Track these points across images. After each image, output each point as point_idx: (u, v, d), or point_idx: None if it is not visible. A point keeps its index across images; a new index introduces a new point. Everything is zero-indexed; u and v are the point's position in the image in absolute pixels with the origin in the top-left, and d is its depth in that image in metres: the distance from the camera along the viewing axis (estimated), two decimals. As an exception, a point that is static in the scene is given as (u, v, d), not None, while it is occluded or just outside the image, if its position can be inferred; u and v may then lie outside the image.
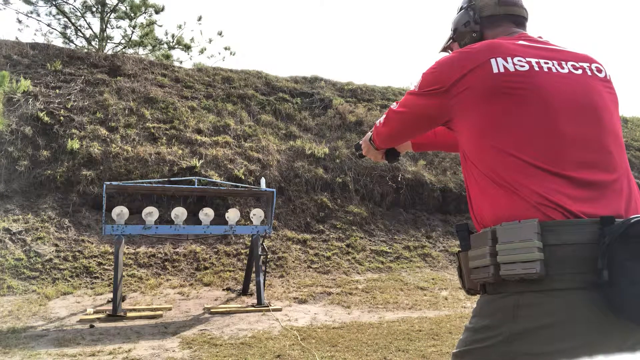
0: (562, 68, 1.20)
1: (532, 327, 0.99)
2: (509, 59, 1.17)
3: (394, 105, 1.41)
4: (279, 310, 5.47)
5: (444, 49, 1.59)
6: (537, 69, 1.17)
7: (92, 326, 4.63)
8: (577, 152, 1.10)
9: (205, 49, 14.85)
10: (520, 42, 1.25)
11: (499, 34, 1.35)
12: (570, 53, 1.26)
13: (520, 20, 1.39)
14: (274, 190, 6.06)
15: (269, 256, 6.82)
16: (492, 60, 1.17)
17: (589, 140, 1.12)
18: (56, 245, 6.61)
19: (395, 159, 1.75)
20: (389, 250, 8.18)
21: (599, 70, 1.24)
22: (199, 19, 16.27)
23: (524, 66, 1.16)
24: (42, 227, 6.80)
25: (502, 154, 1.12)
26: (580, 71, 1.21)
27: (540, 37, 1.33)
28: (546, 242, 0.99)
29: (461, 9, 1.47)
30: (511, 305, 1.03)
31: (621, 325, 0.95)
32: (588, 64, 1.24)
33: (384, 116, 1.46)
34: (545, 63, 1.19)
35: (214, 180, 7.98)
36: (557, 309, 0.97)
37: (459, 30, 1.46)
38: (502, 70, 1.15)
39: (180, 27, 16.43)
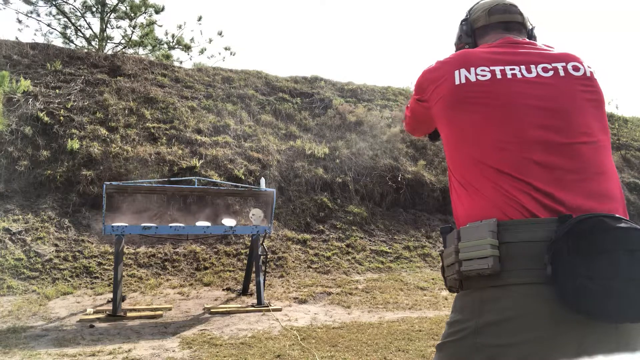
0: (530, 72, 1.22)
1: (494, 320, 1.04)
2: (472, 69, 1.23)
3: (409, 102, 1.52)
4: (279, 310, 5.47)
5: None
6: (499, 76, 1.21)
7: (92, 326, 4.62)
8: (539, 155, 1.13)
9: (205, 49, 14.85)
10: (495, 49, 1.30)
11: (486, 42, 1.41)
12: (544, 54, 1.27)
13: (512, 25, 1.41)
14: (274, 190, 6.06)
15: (269, 256, 6.82)
16: (456, 72, 1.24)
17: (553, 143, 1.14)
18: (56, 245, 6.61)
19: (435, 139, 1.77)
20: (389, 250, 8.18)
21: (576, 69, 1.24)
22: (199, 19, 16.27)
23: (485, 75, 1.22)
24: (42, 227, 6.80)
25: (469, 161, 1.19)
26: (550, 73, 1.22)
27: (523, 39, 1.36)
28: (502, 239, 1.05)
29: (459, 24, 1.55)
30: (477, 300, 1.10)
31: (576, 319, 0.98)
32: (563, 64, 1.24)
33: (406, 108, 1.60)
34: (512, 69, 1.23)
35: (214, 180, 7.99)
36: (515, 303, 1.03)
37: (455, 44, 1.56)
38: (463, 81, 1.22)
39: (180, 27, 16.42)
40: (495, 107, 1.18)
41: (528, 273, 1.03)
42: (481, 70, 1.22)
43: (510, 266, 1.04)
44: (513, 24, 1.41)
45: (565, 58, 1.26)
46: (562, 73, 1.22)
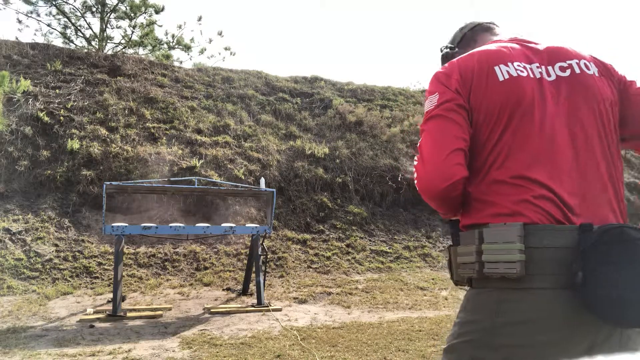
0: (550, 76, 1.20)
1: (512, 321, 1.05)
2: (510, 64, 1.19)
3: (422, 130, 1.52)
4: (279, 310, 5.47)
5: None
6: (532, 75, 1.19)
7: (92, 326, 4.62)
8: (560, 163, 1.13)
9: (205, 49, 14.86)
10: (512, 44, 1.27)
11: (488, 40, 1.40)
12: (555, 52, 1.25)
13: (492, 25, 1.46)
14: (274, 190, 6.06)
15: (269, 256, 6.82)
16: (496, 68, 1.19)
17: (572, 152, 1.15)
18: (56, 245, 6.61)
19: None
20: (389, 250, 8.18)
21: (587, 68, 1.22)
22: (199, 19, 16.28)
23: (523, 71, 1.18)
24: (42, 227, 6.80)
25: (496, 162, 1.17)
26: (568, 72, 1.21)
27: (525, 37, 1.34)
28: (528, 244, 1.06)
29: (441, 51, 1.56)
30: (494, 300, 1.09)
31: (592, 322, 1.01)
32: (576, 61, 1.23)
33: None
34: (538, 68, 1.21)
35: (214, 180, 7.98)
36: (536, 306, 1.04)
37: (443, 57, 1.54)
38: (506, 76, 1.17)
39: (180, 27, 16.42)
40: (525, 110, 1.15)
41: (551, 278, 1.04)
42: (517, 65, 1.18)
43: (533, 270, 1.05)
44: (493, 25, 1.46)
45: (576, 55, 1.24)
46: (577, 70, 1.21)
